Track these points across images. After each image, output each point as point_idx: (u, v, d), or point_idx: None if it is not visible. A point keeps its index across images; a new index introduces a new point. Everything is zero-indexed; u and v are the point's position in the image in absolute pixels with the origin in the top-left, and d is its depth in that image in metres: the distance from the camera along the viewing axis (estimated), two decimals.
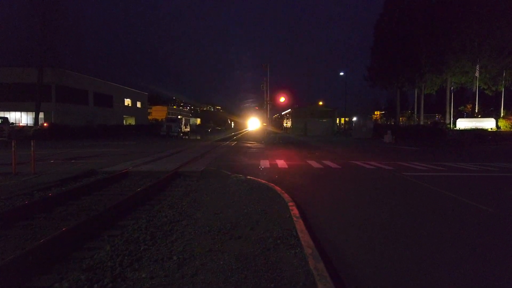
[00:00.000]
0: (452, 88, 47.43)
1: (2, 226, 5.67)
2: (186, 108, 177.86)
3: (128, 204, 6.97)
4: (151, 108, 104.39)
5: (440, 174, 12.19)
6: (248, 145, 27.35)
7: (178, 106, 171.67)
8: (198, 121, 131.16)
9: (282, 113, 79.32)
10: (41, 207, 6.76)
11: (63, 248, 4.70)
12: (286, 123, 71.68)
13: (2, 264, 3.71)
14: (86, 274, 3.87)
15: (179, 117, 50.34)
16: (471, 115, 47.94)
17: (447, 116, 47.14)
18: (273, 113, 65.92)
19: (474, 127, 40.29)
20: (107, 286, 3.63)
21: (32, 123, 40.49)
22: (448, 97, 46.81)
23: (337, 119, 66.89)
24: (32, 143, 11.34)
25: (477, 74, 42.37)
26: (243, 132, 66.04)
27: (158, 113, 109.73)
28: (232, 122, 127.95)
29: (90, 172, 11.25)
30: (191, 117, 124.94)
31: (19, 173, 10.75)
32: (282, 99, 32.05)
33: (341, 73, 60.62)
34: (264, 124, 39.54)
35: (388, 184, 10.31)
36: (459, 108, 61.43)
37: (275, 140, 32.26)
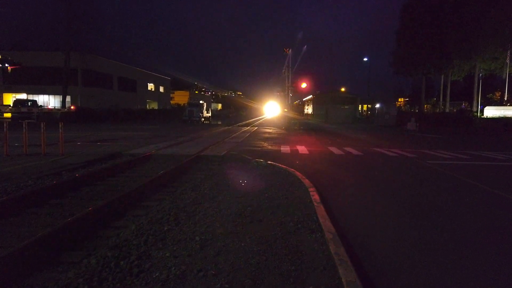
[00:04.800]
0: (480, 74, 45.55)
1: (33, 204, 5.92)
2: (208, 94, 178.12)
3: (152, 186, 7.15)
4: (173, 93, 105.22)
5: (465, 163, 11.88)
6: (269, 130, 27.33)
7: (200, 91, 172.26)
8: (219, 106, 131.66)
9: (303, 99, 78.47)
10: (69, 187, 7.01)
11: (90, 226, 4.88)
12: (307, 109, 70.98)
13: (33, 240, 3.89)
14: (112, 251, 4.01)
15: (200, 102, 50.59)
16: (500, 103, 45.97)
17: (474, 104, 45.40)
18: (294, 99, 65.38)
19: (502, 116, 38.77)
20: (133, 263, 3.75)
21: (59, 106, 41.70)
22: (476, 84, 45.05)
23: (360, 106, 65.69)
24: (60, 126, 11.71)
25: (507, 60, 40.56)
26: (263, 117, 65.88)
27: (180, 98, 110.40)
28: (253, 108, 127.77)
29: (115, 154, 11.55)
30: (212, 102, 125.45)
31: (48, 154, 11.12)
32: (303, 85, 31.72)
33: (365, 59, 59.32)
34: (285, 110, 39.35)
35: (411, 172, 10.15)
36: (487, 96, 59.06)
37: (295, 126, 32.07)
